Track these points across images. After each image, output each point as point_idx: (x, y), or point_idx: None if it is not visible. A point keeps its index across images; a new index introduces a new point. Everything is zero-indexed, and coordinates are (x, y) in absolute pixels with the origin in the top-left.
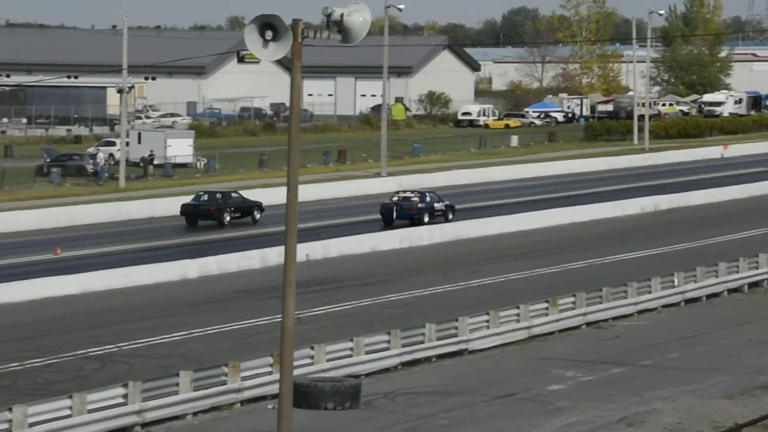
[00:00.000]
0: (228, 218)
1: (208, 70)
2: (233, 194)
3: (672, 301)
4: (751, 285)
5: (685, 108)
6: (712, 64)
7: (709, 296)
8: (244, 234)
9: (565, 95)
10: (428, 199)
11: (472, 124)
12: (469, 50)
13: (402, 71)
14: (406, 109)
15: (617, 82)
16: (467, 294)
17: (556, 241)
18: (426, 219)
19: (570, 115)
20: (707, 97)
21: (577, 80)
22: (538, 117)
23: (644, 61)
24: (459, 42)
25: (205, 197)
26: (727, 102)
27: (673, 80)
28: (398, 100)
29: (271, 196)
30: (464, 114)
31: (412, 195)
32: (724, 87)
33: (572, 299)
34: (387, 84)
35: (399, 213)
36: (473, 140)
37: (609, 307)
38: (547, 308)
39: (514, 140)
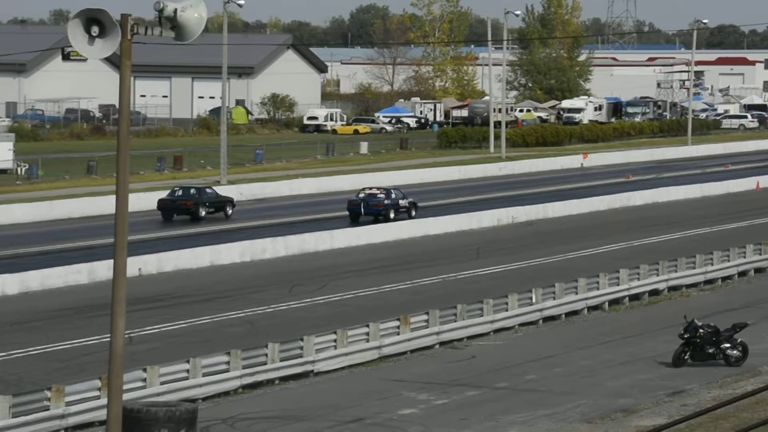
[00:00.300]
0: (204, 213)
1: (30, 67)
2: (208, 190)
3: (530, 320)
4: (612, 302)
5: (543, 114)
6: (571, 69)
7: (569, 314)
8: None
9: (417, 99)
10: (393, 195)
11: (318, 129)
12: (315, 50)
13: (243, 72)
14: (248, 112)
15: (472, 86)
16: (313, 311)
17: (407, 255)
18: (392, 215)
19: (423, 120)
20: (566, 104)
21: (430, 84)
22: (389, 122)
23: (500, 64)
24: (304, 41)
25: (180, 192)
26: (586, 108)
27: (530, 85)
28: (239, 102)
29: (100, 205)
30: (310, 118)
31: (378, 192)
32: (584, 92)
33: (425, 317)
34: (227, 85)
35: (366, 209)
36: (320, 146)
37: (464, 326)
38: (398, 327)
39: (364, 147)
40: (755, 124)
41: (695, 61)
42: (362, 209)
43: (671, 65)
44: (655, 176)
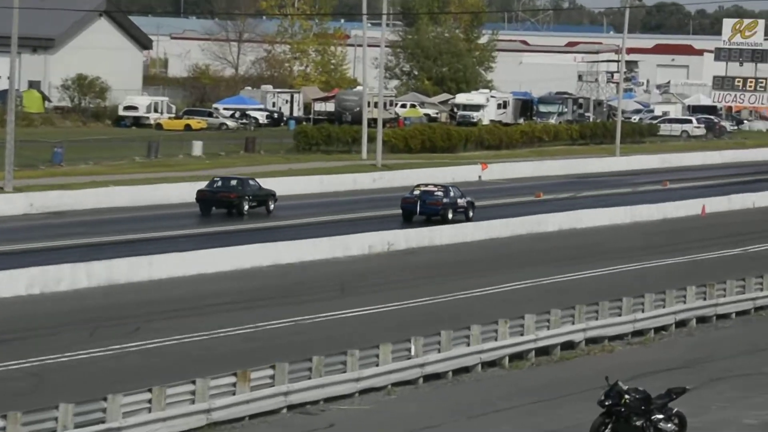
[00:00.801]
0: (247, 207)
1: None
2: (251, 181)
3: (407, 377)
4: (514, 357)
5: (432, 112)
6: (469, 54)
7: (458, 371)
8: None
9: (269, 88)
10: (452, 193)
11: (138, 122)
12: (136, 19)
13: (40, 45)
14: (45, 98)
15: (341, 72)
16: (122, 362)
17: (249, 289)
18: (450, 215)
19: (276, 115)
20: (462, 98)
21: (287, 68)
22: (232, 117)
23: (377, 45)
24: (122, 7)
25: (219, 183)
26: (487, 105)
27: (416, 73)
28: (33, 85)
29: None
30: (128, 108)
31: (436, 189)
32: (485, 85)
33: (270, 372)
34: (17, 62)
35: (423, 208)
36: (139, 146)
37: (320, 385)
38: (234, 384)
39: (198, 148)
40: (701, 131)
41: (627, 48)
42: (418, 208)
43: (596, 52)
44: (573, 195)
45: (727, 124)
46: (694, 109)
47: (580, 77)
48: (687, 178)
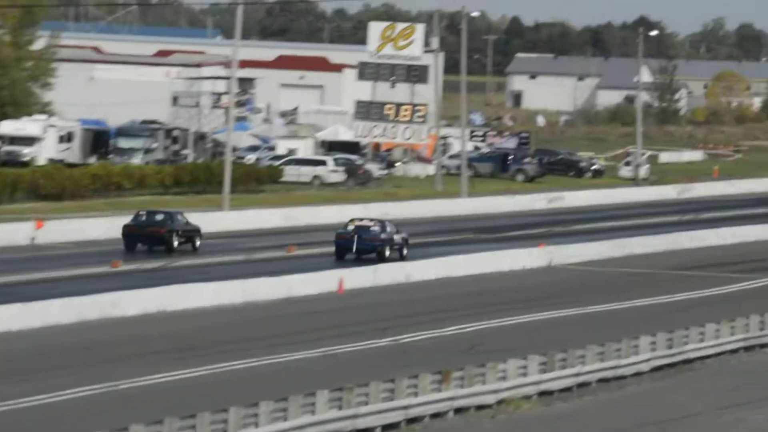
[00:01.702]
0: (176, 243)
1: None
2: (178, 216)
3: None
4: None
5: None
6: (18, 65)
7: None
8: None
9: None
10: (389, 229)
11: None
12: None
13: None
14: None
15: None
16: None
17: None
18: (387, 253)
19: None
20: (7, 127)
21: None
22: None
23: None
24: None
25: (144, 218)
26: (45, 138)
27: None
28: None
29: None
30: None
31: (372, 224)
32: (41, 109)
33: None
34: None
35: (360, 244)
36: None
37: None
38: None
39: None
40: (340, 177)
41: (241, 61)
42: (355, 244)
43: (198, 66)
44: (164, 265)
45: (375, 168)
46: (331, 146)
47: (175, 100)
48: (320, 241)
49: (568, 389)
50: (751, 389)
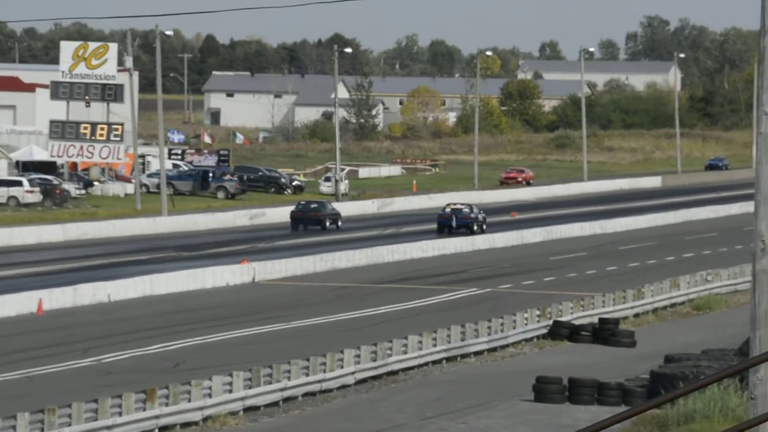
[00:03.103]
0: (327, 224)
1: None
2: (327, 204)
3: None
4: None
5: None
6: None
7: None
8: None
9: None
10: (474, 210)
11: None
12: None
13: None
14: None
15: None
16: None
17: None
18: (475, 228)
19: None
20: None
21: None
22: None
23: None
24: None
25: (304, 205)
26: None
27: None
28: None
29: None
30: None
31: (463, 207)
32: None
33: None
34: None
35: (459, 221)
36: None
37: None
38: None
39: None
40: (37, 197)
41: None
42: (454, 221)
43: None
44: None
45: (72, 187)
46: (26, 167)
47: None
48: (20, 262)
49: (274, 404)
50: (453, 399)
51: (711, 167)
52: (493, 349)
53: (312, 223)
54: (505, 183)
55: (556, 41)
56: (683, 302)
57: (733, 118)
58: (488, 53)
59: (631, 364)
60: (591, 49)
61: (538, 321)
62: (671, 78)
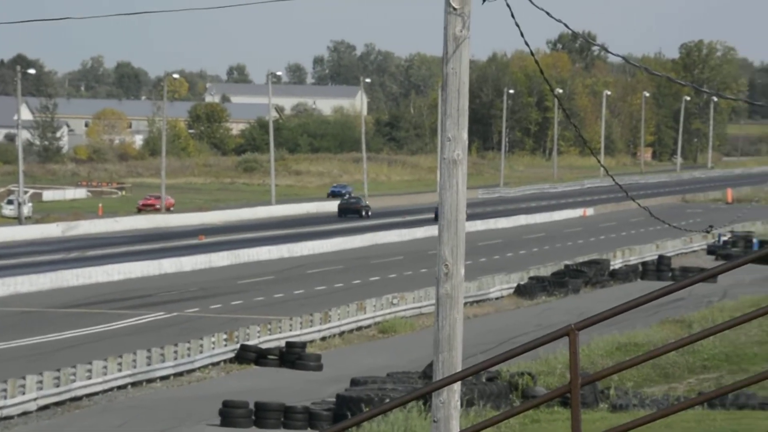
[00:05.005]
0: (364, 213)
1: None
2: (360, 197)
3: None
4: None
5: None
6: None
7: None
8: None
9: None
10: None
11: None
12: None
13: None
14: None
15: None
16: None
17: None
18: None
19: None
20: None
21: None
22: None
23: None
24: None
25: (346, 199)
26: None
27: None
28: None
29: None
30: None
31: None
32: None
33: None
34: None
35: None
36: None
37: None
38: None
39: None
40: None
41: None
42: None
43: None
44: None
45: None
46: None
47: None
48: None
49: None
50: (137, 424)
51: (333, 194)
52: (180, 374)
53: None
54: (143, 209)
55: (243, 64)
56: (369, 325)
57: (418, 143)
58: (175, 76)
59: (317, 388)
60: (279, 73)
61: (225, 345)
62: (358, 102)
